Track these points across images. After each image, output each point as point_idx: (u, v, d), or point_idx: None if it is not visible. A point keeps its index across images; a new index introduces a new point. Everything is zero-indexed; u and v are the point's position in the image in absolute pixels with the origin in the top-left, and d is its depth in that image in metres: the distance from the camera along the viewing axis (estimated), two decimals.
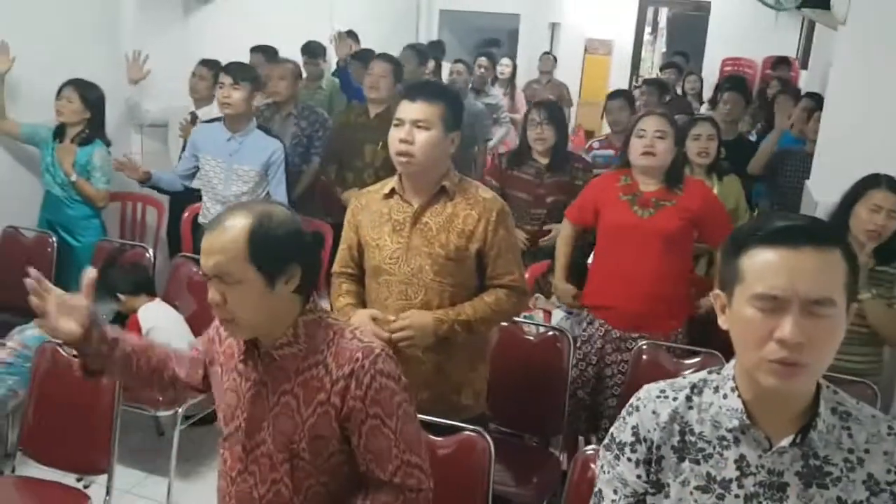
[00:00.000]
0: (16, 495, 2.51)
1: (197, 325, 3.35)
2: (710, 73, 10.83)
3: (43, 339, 3.10)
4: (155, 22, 4.45)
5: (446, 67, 6.81)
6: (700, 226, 2.96)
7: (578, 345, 3.06)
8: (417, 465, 1.60)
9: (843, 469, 1.25)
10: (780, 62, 8.38)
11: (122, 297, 3.29)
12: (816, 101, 4.71)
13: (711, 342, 2.90)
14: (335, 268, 2.42)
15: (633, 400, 1.40)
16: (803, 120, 4.59)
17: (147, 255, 3.64)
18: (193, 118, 4.31)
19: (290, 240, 1.57)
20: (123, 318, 3.37)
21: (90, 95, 3.73)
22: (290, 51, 5.15)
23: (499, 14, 9.03)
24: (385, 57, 4.30)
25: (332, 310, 2.24)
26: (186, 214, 4.14)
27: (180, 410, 3.15)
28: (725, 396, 1.30)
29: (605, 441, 1.42)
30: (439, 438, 2.12)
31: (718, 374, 1.36)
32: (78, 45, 4.01)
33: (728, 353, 3.02)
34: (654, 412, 1.35)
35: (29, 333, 3.14)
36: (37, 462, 2.57)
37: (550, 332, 2.93)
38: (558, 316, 3.37)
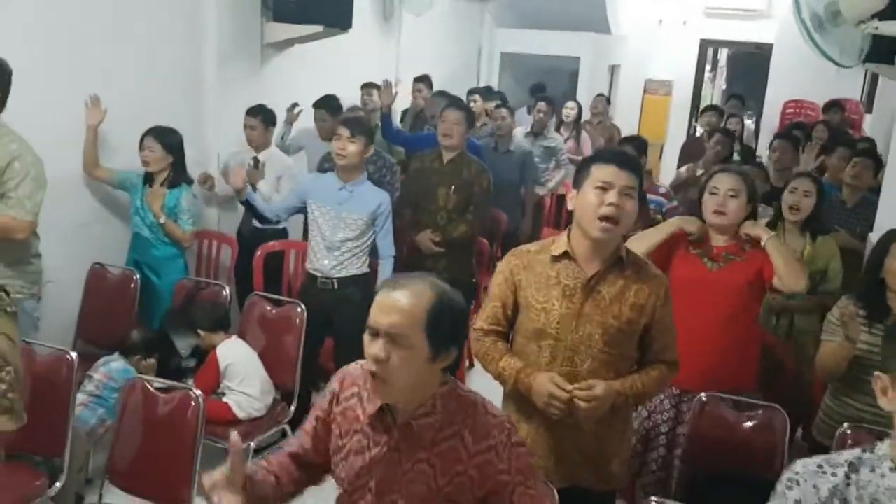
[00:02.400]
0: None
1: (266, 360, 3.52)
2: (772, 114, 10.78)
3: (129, 372, 3.31)
4: (235, 73, 4.68)
5: None
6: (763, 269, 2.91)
7: (646, 415, 3.07)
8: None
9: None
10: (832, 105, 8.21)
11: (201, 333, 3.46)
12: (851, 146, 4.76)
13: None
14: (483, 324, 2.35)
15: (788, 474, 1.47)
16: (840, 169, 4.62)
17: (224, 292, 3.83)
18: (256, 162, 4.50)
19: (460, 322, 1.70)
20: (201, 353, 3.54)
21: (170, 141, 3.94)
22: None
23: (559, 57, 9.15)
24: (458, 105, 4.49)
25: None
26: (259, 253, 4.33)
27: (252, 444, 3.30)
28: (884, 476, 1.38)
29: None
30: None
31: (872, 452, 1.44)
32: (163, 97, 4.24)
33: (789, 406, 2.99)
34: (814, 487, 1.42)
35: (114, 366, 3.33)
36: (122, 491, 2.73)
37: None
38: None
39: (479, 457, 1.68)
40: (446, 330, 1.64)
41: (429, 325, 1.61)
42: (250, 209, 3.92)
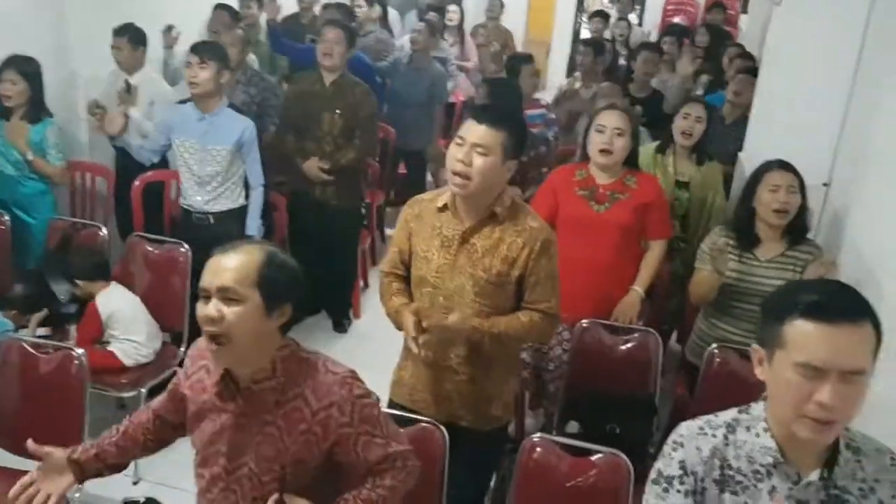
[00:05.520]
0: None
1: (152, 303, 3.44)
2: (655, 11, 10.90)
3: (6, 326, 3.17)
4: None
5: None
6: (644, 219, 3.09)
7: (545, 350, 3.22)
8: (407, 450, 1.89)
9: (857, 497, 1.46)
10: (714, 5, 8.44)
11: (79, 282, 3.32)
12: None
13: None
14: (384, 267, 2.46)
15: (674, 437, 1.58)
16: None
17: (101, 233, 3.68)
18: (128, 87, 4.18)
19: (292, 278, 1.76)
20: (80, 301, 3.41)
21: (30, 70, 3.67)
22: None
23: None
24: (337, 23, 4.27)
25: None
26: (137, 183, 4.08)
27: (143, 391, 3.26)
28: (758, 435, 1.50)
29: (653, 476, 1.57)
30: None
31: (748, 413, 1.55)
32: (21, 18, 3.88)
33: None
34: (697, 448, 1.53)
35: None
36: (10, 452, 2.65)
37: None
38: None
39: (321, 413, 1.75)
40: (279, 286, 1.72)
41: (260, 281, 1.69)
42: (122, 154, 3.74)
